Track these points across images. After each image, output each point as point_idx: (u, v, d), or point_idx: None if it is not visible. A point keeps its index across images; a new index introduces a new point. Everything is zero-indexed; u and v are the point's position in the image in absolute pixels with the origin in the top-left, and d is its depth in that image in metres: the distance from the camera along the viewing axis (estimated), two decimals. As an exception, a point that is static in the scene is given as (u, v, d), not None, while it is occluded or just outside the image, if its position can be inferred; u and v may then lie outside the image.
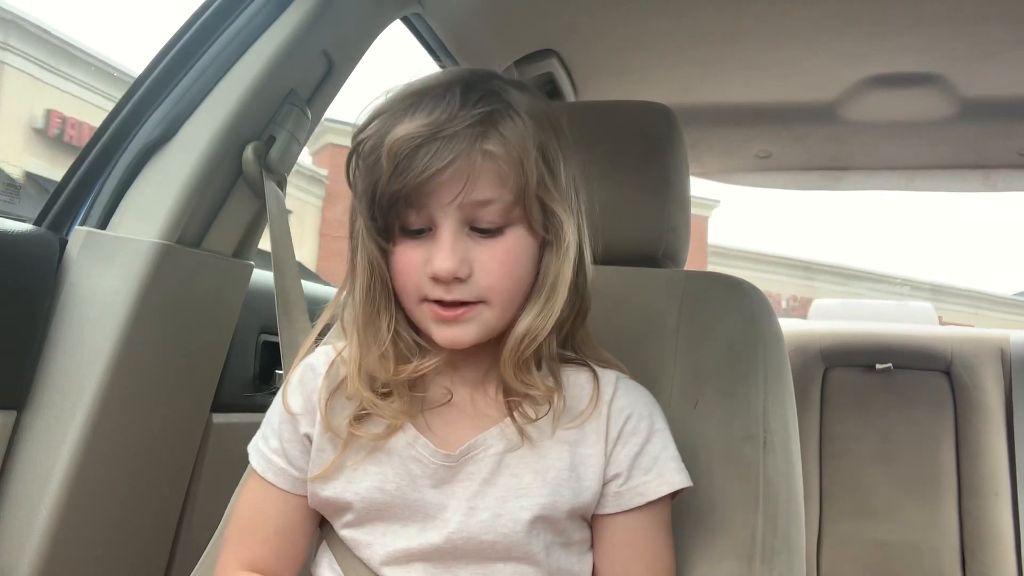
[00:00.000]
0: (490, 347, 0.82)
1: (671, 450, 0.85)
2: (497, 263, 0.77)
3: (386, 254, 0.79)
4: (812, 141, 2.11)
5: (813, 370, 2.32)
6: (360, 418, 0.81)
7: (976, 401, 2.19)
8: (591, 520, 0.84)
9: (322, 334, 0.90)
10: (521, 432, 0.80)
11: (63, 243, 1.13)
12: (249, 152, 1.19)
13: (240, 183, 1.21)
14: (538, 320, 0.79)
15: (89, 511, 1.09)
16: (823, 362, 2.33)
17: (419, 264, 0.76)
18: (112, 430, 1.09)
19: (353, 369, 0.81)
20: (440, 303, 0.77)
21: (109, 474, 1.11)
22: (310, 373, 0.87)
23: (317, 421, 0.83)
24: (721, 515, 0.92)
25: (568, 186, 0.81)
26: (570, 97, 1.83)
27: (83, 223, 1.15)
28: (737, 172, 2.41)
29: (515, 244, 0.78)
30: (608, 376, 0.86)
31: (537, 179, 0.77)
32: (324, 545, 0.87)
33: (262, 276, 1.36)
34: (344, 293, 0.84)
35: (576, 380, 0.85)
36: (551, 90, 1.79)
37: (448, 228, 0.75)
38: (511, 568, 0.79)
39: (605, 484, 0.82)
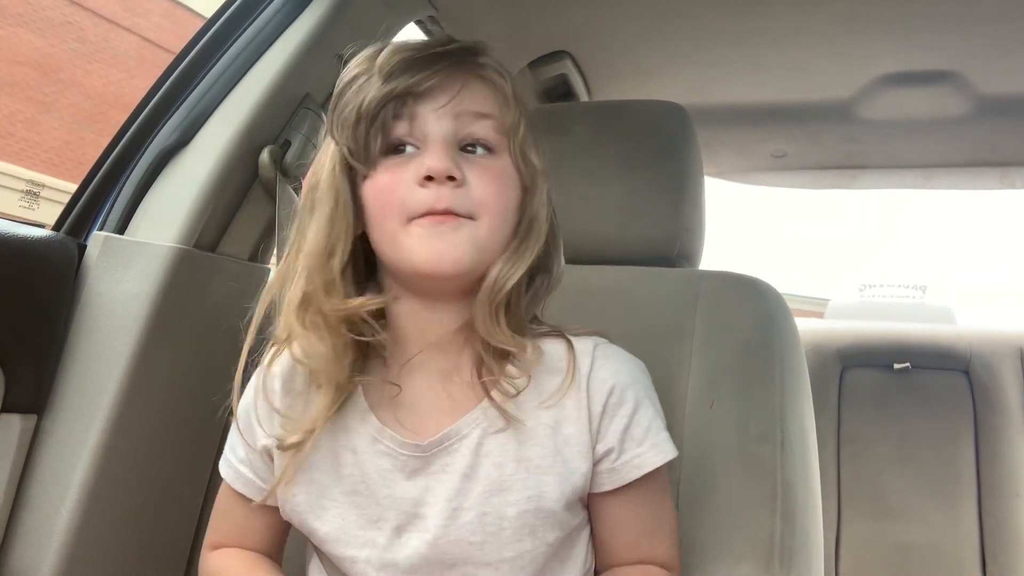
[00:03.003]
0: (461, 332, 0.80)
1: (659, 418, 0.82)
2: (491, 178, 0.76)
3: (353, 187, 0.78)
4: (827, 140, 2.10)
5: (830, 370, 2.31)
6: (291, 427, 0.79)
7: (995, 401, 2.18)
8: (587, 499, 0.81)
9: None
10: (502, 412, 0.76)
11: (82, 248, 1.14)
12: (265, 156, 1.19)
13: (256, 187, 1.22)
14: (512, 259, 0.77)
15: (109, 514, 1.09)
16: (840, 362, 2.32)
17: (407, 178, 0.75)
18: (131, 433, 1.10)
19: (288, 308, 0.78)
20: (430, 213, 0.74)
21: (129, 477, 1.12)
22: (270, 379, 0.84)
23: (275, 427, 0.81)
24: (738, 516, 0.92)
25: (540, 159, 0.82)
26: (584, 98, 1.83)
27: (101, 228, 1.16)
28: (752, 172, 2.40)
29: (505, 169, 0.78)
30: (584, 345, 0.82)
31: (526, 128, 0.79)
32: (315, 560, 0.85)
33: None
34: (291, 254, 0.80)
35: (552, 351, 0.81)
36: (565, 91, 1.79)
37: (440, 136, 0.75)
38: (504, 570, 0.76)
39: (597, 462, 0.79)
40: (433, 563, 0.76)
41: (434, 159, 0.73)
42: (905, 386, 2.25)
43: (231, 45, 1.21)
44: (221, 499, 0.88)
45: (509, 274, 0.76)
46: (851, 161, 2.24)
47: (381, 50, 0.77)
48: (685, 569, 0.91)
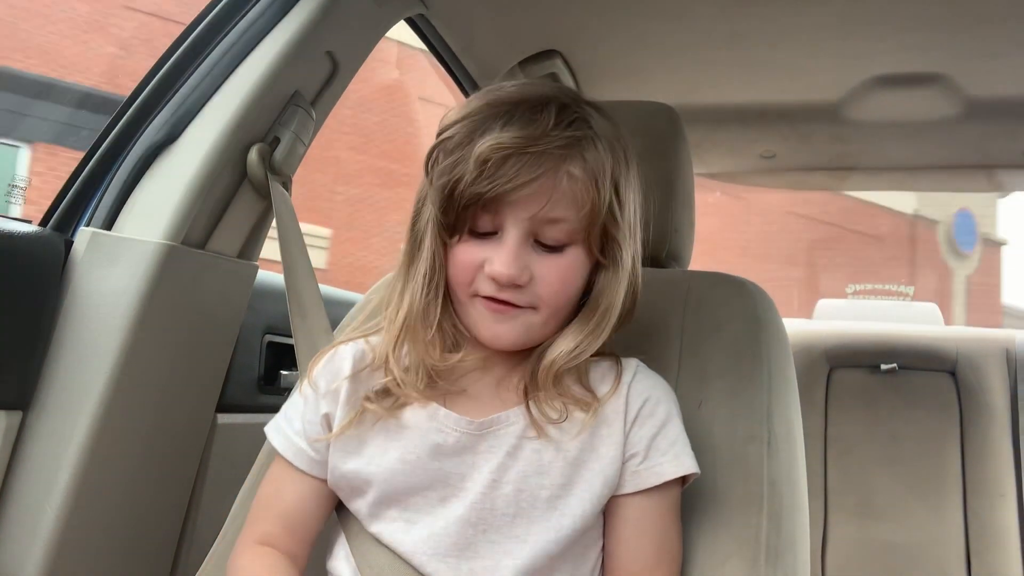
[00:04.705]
0: (521, 360, 0.86)
1: (685, 437, 0.88)
2: (555, 277, 0.81)
3: (445, 247, 0.83)
4: (817, 141, 2.11)
5: (818, 371, 2.31)
6: (378, 395, 0.85)
7: (982, 402, 2.19)
8: (607, 504, 0.86)
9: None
10: (537, 427, 0.83)
11: (69, 244, 1.13)
12: (253, 153, 1.19)
13: (245, 184, 1.21)
14: (587, 340, 0.84)
15: (94, 511, 1.09)
16: (828, 363, 2.32)
17: (478, 262, 0.81)
18: (117, 430, 1.09)
19: (389, 349, 0.85)
20: (492, 298, 0.81)
21: (114, 474, 1.11)
22: (336, 357, 0.90)
23: (340, 401, 0.86)
24: (725, 516, 0.92)
25: (633, 215, 0.86)
26: (574, 98, 1.82)
27: (89, 224, 1.15)
28: (742, 172, 2.41)
29: (573, 262, 0.83)
30: (630, 362, 0.90)
31: (607, 208, 0.82)
32: (342, 538, 0.88)
33: (266, 277, 1.36)
34: (398, 278, 0.87)
35: (598, 367, 0.88)
36: (555, 91, 1.79)
37: (515, 236, 0.80)
38: (528, 549, 0.81)
39: (623, 464, 0.84)
40: (466, 524, 0.81)
41: (502, 265, 0.79)
42: (892, 387, 2.26)
43: (220, 41, 1.20)
44: (269, 484, 0.91)
45: (581, 351, 0.84)
46: (840, 162, 2.25)
47: (483, 112, 0.80)
48: (672, 568, 0.92)
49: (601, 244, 0.84)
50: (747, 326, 1.04)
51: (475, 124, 0.80)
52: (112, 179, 1.17)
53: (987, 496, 2.12)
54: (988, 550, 2.08)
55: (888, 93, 1.77)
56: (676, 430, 0.87)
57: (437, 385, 0.85)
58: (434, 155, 0.82)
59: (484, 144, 0.77)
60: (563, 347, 0.83)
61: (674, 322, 1.06)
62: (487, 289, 0.81)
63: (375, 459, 0.84)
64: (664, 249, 1.13)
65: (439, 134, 0.83)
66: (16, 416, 1.07)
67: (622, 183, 0.85)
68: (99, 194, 1.17)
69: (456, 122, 0.81)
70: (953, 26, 1.49)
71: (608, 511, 0.86)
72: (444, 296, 0.85)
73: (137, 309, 1.09)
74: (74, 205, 1.17)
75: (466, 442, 0.83)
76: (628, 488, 0.84)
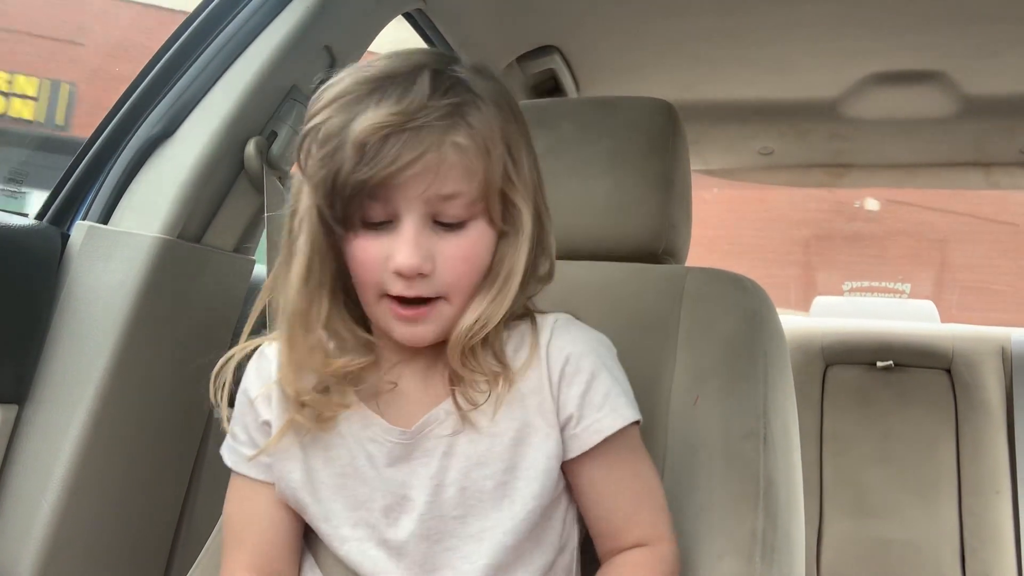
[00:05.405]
0: (441, 344, 0.80)
1: (620, 384, 0.83)
2: (460, 259, 0.76)
3: (339, 241, 0.76)
4: (814, 138, 2.11)
5: (814, 367, 2.32)
6: (305, 404, 0.80)
7: (977, 399, 2.19)
8: (564, 469, 0.82)
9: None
10: (464, 419, 0.79)
11: (65, 238, 1.13)
12: (251, 147, 1.19)
13: (242, 178, 1.21)
14: (489, 308, 0.78)
15: (90, 506, 1.09)
16: (824, 360, 2.33)
17: (380, 258, 0.74)
18: (114, 425, 1.09)
19: (284, 360, 0.79)
20: (400, 301, 0.75)
21: (111, 469, 1.11)
22: (264, 361, 0.85)
23: (272, 406, 0.82)
24: (721, 512, 0.92)
25: (528, 171, 0.80)
26: (572, 93, 1.83)
27: (85, 218, 1.15)
28: (739, 169, 2.41)
29: (478, 238, 0.77)
30: (546, 320, 0.84)
31: (502, 172, 0.76)
32: (309, 556, 0.86)
33: (263, 271, 1.36)
34: (279, 277, 0.80)
35: (515, 332, 0.83)
36: (553, 87, 1.79)
37: (412, 222, 0.73)
38: (485, 546, 0.78)
39: (561, 429, 0.81)
40: (420, 539, 0.79)
41: (404, 256, 0.73)
42: (888, 384, 2.27)
43: (218, 35, 1.20)
44: (233, 509, 0.86)
45: (485, 322, 0.78)
46: (837, 159, 2.25)
47: (353, 91, 0.74)
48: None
49: (502, 211, 0.78)
50: (744, 322, 1.04)
51: (346, 105, 0.73)
52: (109, 173, 1.17)
53: (982, 493, 2.12)
54: (983, 547, 2.09)
55: (885, 90, 1.77)
56: (607, 381, 0.82)
57: (365, 385, 0.80)
58: (306, 145, 0.75)
59: (360, 126, 0.71)
60: (466, 321, 0.77)
61: (670, 318, 1.06)
62: (396, 288, 0.74)
63: (316, 472, 0.81)
64: (661, 245, 1.13)
65: (308, 120, 0.76)
66: (12, 410, 1.07)
67: (515, 141, 0.78)
68: (96, 188, 1.17)
69: (326, 106, 0.74)
70: (951, 24, 1.49)
71: (569, 477, 0.83)
72: (333, 295, 0.79)
73: (133, 303, 1.08)
74: (71, 199, 1.17)
75: (400, 452, 0.79)
76: (574, 452, 0.81)
